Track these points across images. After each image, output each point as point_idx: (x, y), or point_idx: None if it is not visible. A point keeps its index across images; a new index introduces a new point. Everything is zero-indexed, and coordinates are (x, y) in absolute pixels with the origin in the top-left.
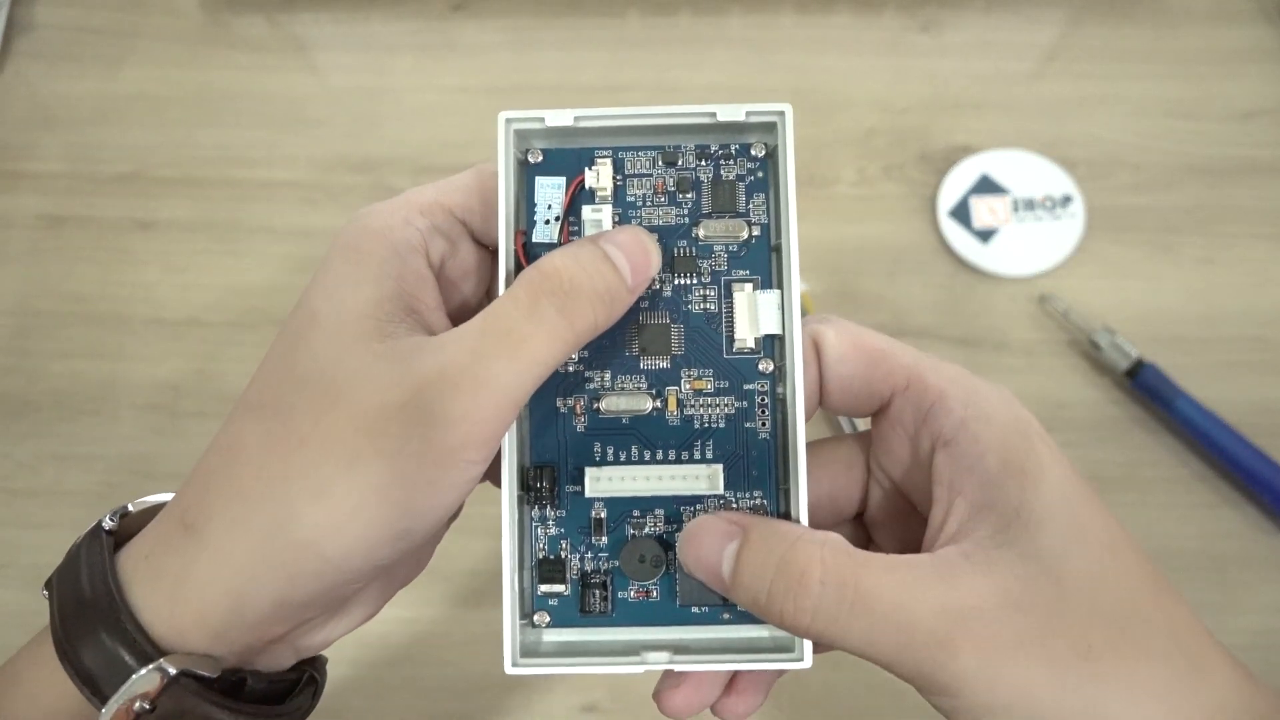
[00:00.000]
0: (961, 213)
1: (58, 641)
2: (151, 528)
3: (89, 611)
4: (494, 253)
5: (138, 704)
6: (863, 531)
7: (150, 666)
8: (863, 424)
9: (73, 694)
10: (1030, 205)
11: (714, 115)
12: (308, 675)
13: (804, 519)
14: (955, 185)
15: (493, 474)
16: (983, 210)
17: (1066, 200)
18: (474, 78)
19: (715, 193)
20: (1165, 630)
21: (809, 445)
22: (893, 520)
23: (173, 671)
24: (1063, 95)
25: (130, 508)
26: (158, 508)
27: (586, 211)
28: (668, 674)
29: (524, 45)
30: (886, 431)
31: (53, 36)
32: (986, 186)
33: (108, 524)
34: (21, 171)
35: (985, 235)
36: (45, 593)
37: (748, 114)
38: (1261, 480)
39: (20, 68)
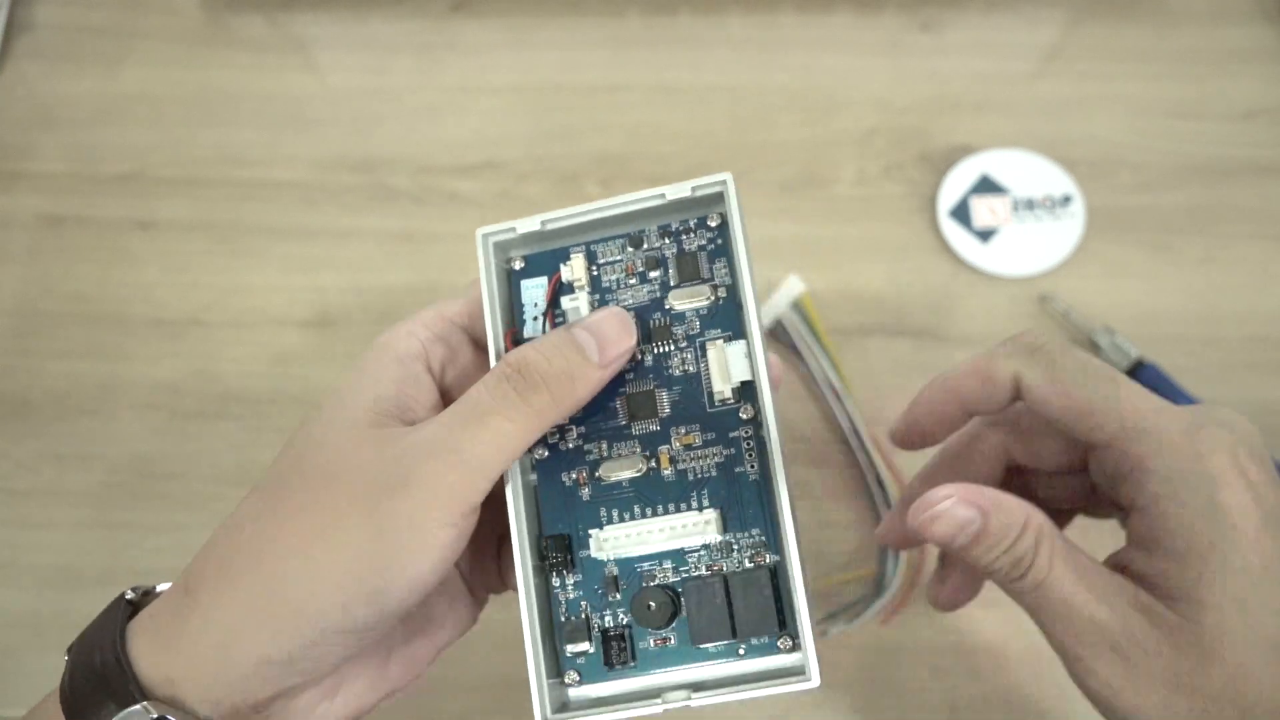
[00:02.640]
0: (961, 213)
1: (64, 698)
2: (161, 597)
3: (97, 675)
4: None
5: None
6: None
7: (132, 708)
8: (867, 434)
9: None
10: (1030, 205)
11: (664, 196)
12: None
13: (794, 551)
14: (955, 185)
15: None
16: (983, 210)
17: (1066, 200)
18: (474, 78)
19: (680, 265)
20: None
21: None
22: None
23: (154, 716)
24: (1063, 95)
25: (157, 589)
26: None
27: (565, 301)
28: (936, 574)
29: (524, 45)
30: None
31: (53, 36)
32: (986, 186)
33: (129, 595)
34: (21, 171)
35: (985, 235)
36: (66, 656)
37: (693, 189)
38: None
39: (20, 68)
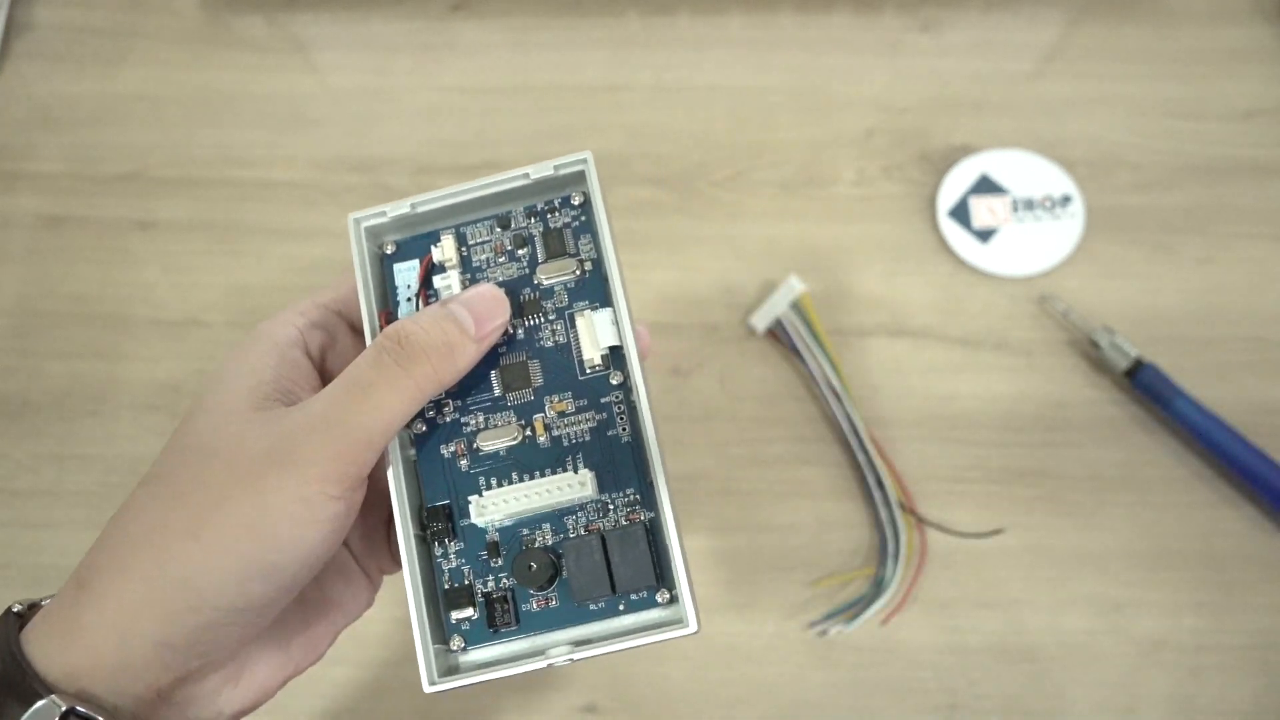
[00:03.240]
0: (961, 213)
1: None
2: (54, 598)
3: None
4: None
5: None
6: None
7: (40, 703)
8: (866, 434)
9: None
10: (1030, 205)
11: (528, 175)
12: None
13: (668, 508)
14: (955, 185)
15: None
16: (982, 210)
17: (1066, 200)
18: (474, 78)
19: (547, 242)
20: None
21: None
22: None
23: (63, 707)
24: (1062, 95)
25: (43, 602)
26: None
27: (438, 281)
28: None
29: (524, 45)
30: None
31: (52, 37)
32: (986, 186)
33: (16, 607)
34: (21, 172)
35: (985, 235)
36: None
37: (556, 168)
38: (1261, 480)
39: (20, 68)
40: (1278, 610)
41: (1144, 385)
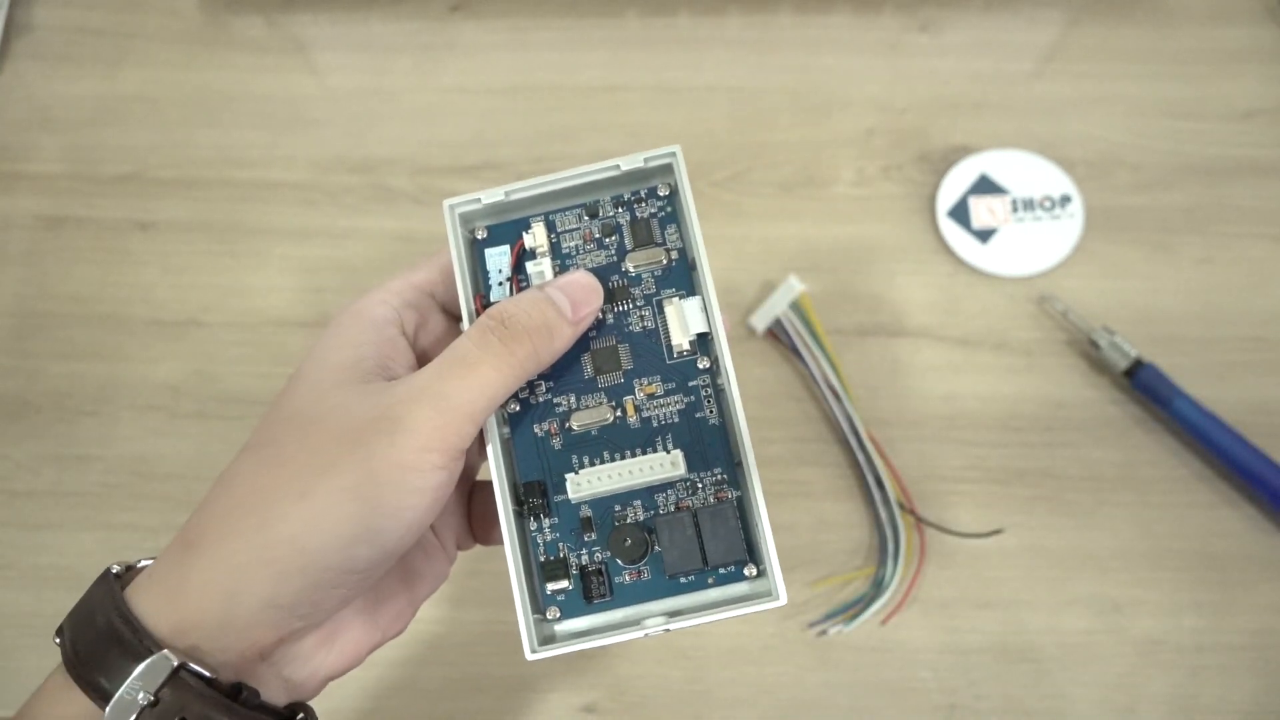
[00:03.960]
0: (960, 213)
1: (71, 666)
2: (158, 558)
3: (101, 636)
4: (459, 318)
5: (141, 695)
6: None
7: (152, 658)
8: (866, 435)
9: (84, 714)
10: (1029, 205)
11: (619, 167)
12: (300, 715)
13: (758, 485)
14: (954, 185)
15: (485, 534)
16: (982, 210)
17: (1065, 200)
18: (474, 78)
19: (635, 231)
20: None
21: None
22: None
23: (175, 662)
24: (1062, 95)
25: (138, 564)
26: None
27: (530, 267)
28: None
29: (524, 45)
30: None
31: (52, 37)
32: (985, 186)
33: (115, 568)
34: (21, 172)
35: (984, 235)
36: (57, 639)
37: (646, 160)
38: (1260, 480)
39: (19, 69)
40: (1277, 610)
41: (1143, 385)
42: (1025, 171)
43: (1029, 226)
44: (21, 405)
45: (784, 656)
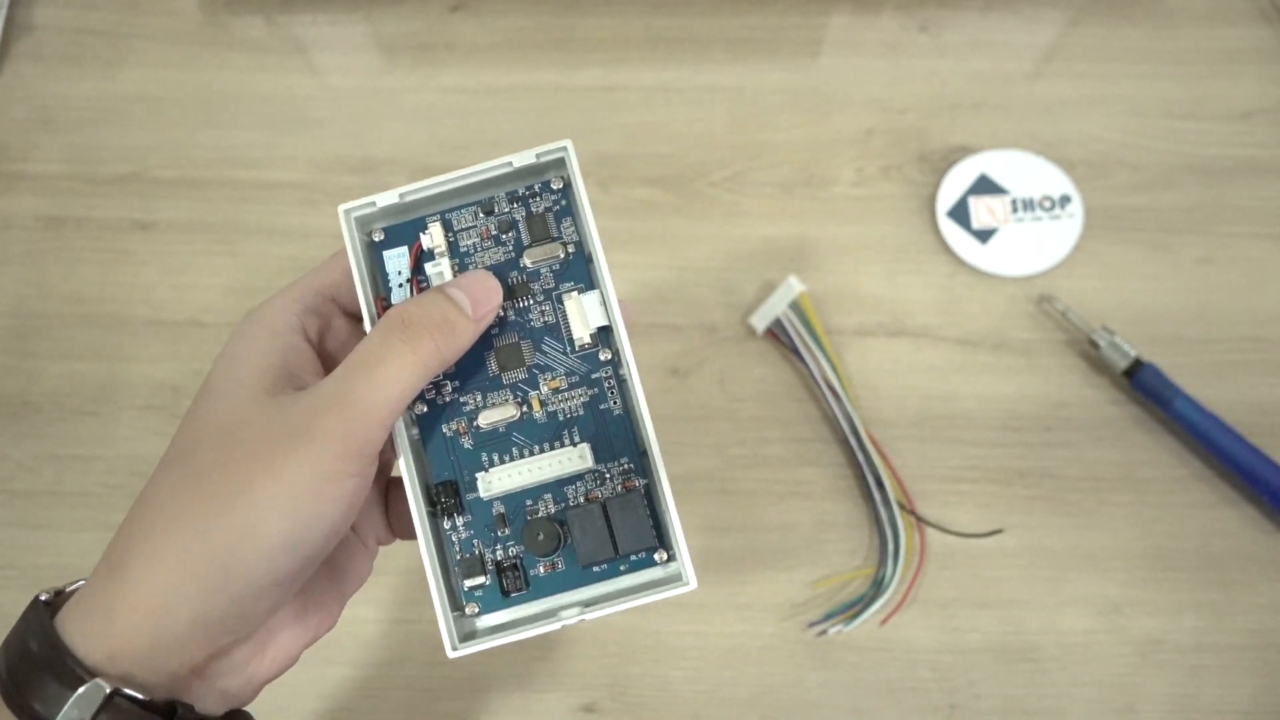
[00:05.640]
0: (960, 213)
1: (5, 693)
2: (86, 582)
3: (33, 662)
4: (361, 320)
5: None
6: None
7: (86, 685)
8: (865, 434)
9: None
10: (1029, 205)
11: (511, 164)
12: None
13: (663, 474)
14: (954, 185)
15: (403, 530)
16: (981, 210)
17: (1065, 200)
18: (474, 78)
19: (531, 226)
20: None
21: None
22: None
23: (107, 689)
24: (1061, 95)
25: (67, 589)
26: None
27: (429, 268)
28: None
29: (524, 45)
30: None
31: (52, 38)
32: (985, 187)
33: (44, 596)
34: (21, 172)
35: (984, 235)
36: None
37: (538, 156)
38: (1260, 480)
39: (20, 69)
40: (1277, 610)
41: (1143, 385)
42: (1025, 171)
43: (1029, 226)
44: (22, 405)
45: (784, 656)
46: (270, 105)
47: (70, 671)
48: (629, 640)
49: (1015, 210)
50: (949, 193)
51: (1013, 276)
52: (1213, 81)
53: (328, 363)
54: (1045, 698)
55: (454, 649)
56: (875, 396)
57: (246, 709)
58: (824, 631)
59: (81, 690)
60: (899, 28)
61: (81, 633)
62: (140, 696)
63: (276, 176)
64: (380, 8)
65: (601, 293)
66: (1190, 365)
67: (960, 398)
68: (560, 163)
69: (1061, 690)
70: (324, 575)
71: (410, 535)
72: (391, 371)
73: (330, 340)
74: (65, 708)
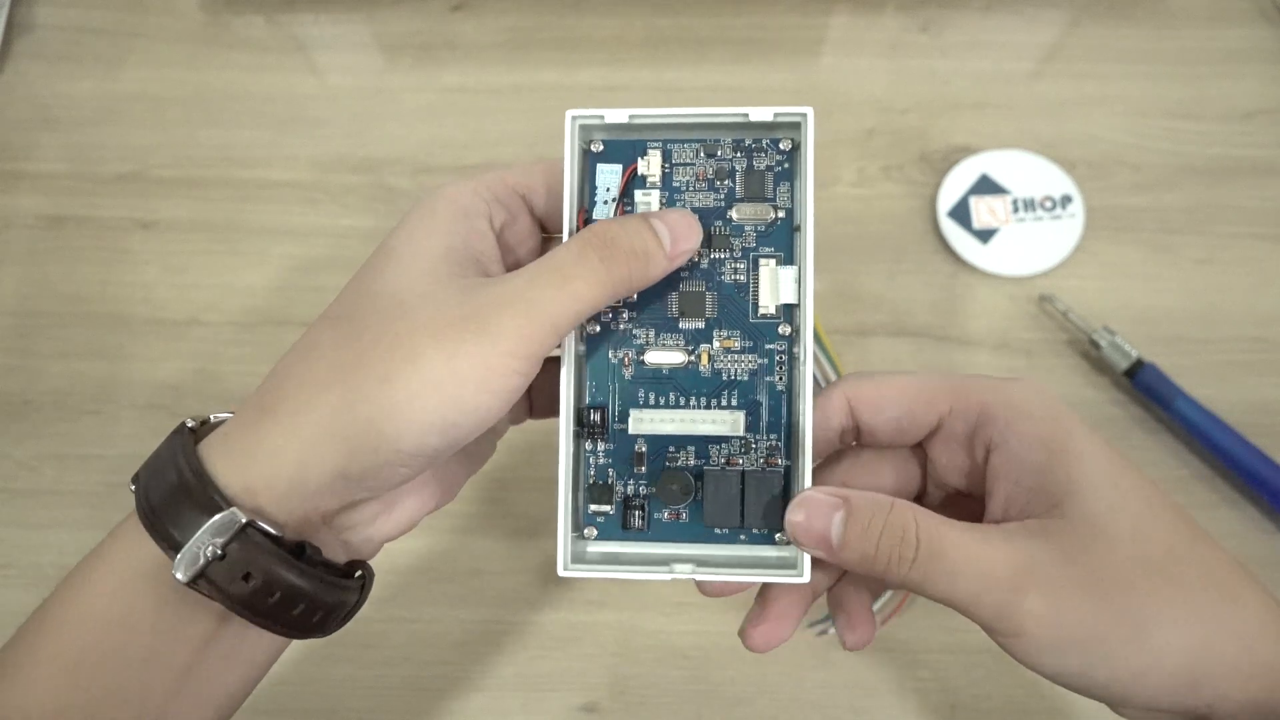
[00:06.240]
0: (961, 213)
1: (144, 515)
2: (232, 418)
3: (174, 488)
4: (546, 228)
5: (209, 549)
6: None
7: (222, 514)
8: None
9: (153, 559)
10: (1030, 205)
11: (746, 115)
12: (359, 572)
13: (809, 461)
14: (955, 185)
15: (542, 409)
16: (982, 210)
17: (1066, 200)
18: (474, 78)
19: (747, 181)
20: (1199, 567)
21: (879, 449)
22: (947, 509)
23: (243, 519)
24: (1062, 95)
25: (211, 418)
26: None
27: (639, 195)
28: (751, 614)
29: (524, 45)
30: (940, 448)
31: (53, 37)
32: (986, 187)
33: (190, 423)
34: (21, 171)
35: (985, 235)
36: (132, 486)
37: (775, 115)
38: (1261, 480)
39: (20, 68)
40: None
41: (1144, 385)
42: (1026, 171)
43: (1030, 226)
44: (22, 404)
45: (784, 656)
46: (271, 105)
47: (210, 499)
48: (629, 640)
49: (1016, 210)
50: (950, 193)
51: (1014, 276)
52: (1214, 82)
53: (506, 255)
54: (1045, 698)
55: (565, 568)
56: None
57: (369, 561)
58: (824, 631)
59: (217, 517)
60: (900, 28)
61: (223, 463)
62: (273, 531)
63: (277, 176)
64: (381, 7)
65: (799, 270)
66: (1191, 365)
67: None
68: (794, 126)
69: (1062, 690)
70: (457, 454)
71: (546, 415)
72: (581, 286)
73: (511, 235)
74: (199, 532)
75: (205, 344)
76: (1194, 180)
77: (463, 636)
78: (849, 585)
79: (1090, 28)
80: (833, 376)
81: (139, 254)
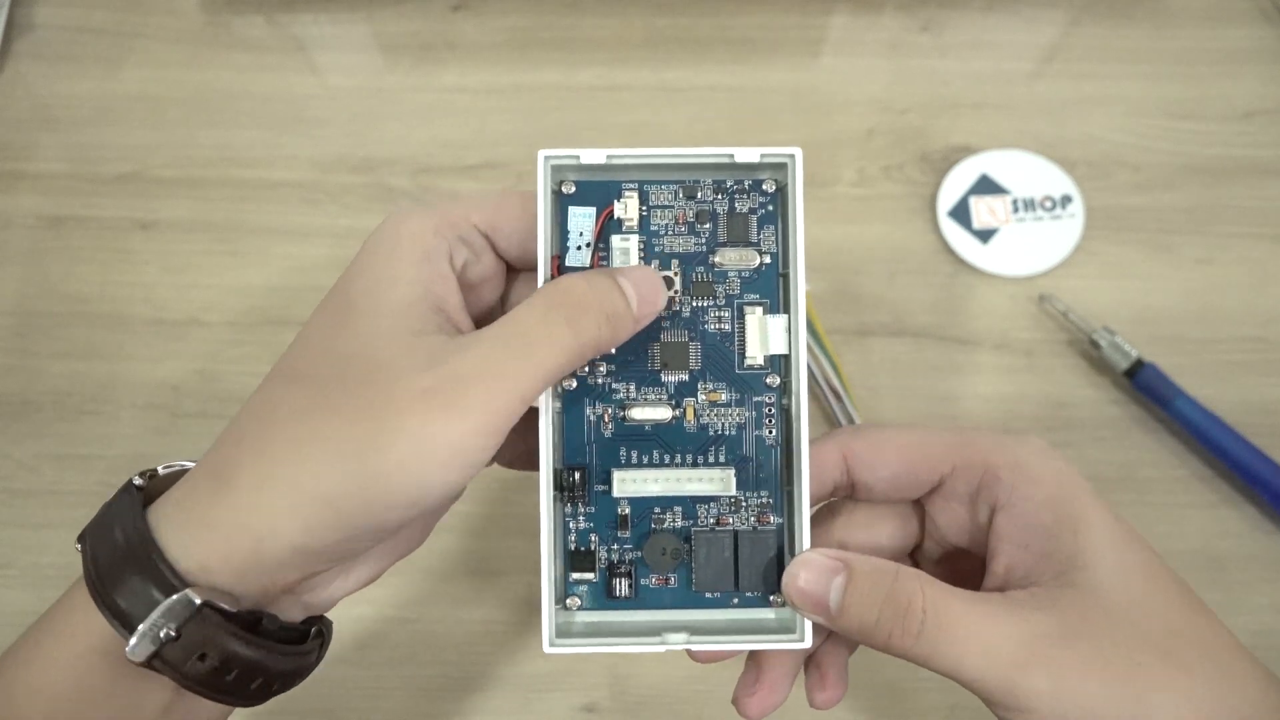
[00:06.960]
0: (961, 213)
1: (91, 584)
2: (184, 481)
3: (122, 556)
4: (511, 268)
5: (164, 631)
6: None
7: (176, 595)
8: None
9: (103, 633)
10: (1030, 205)
11: (731, 156)
12: (316, 629)
13: (806, 518)
14: (955, 185)
15: (506, 461)
16: (982, 210)
17: (1066, 200)
18: (474, 78)
19: (730, 224)
20: (1198, 645)
21: (869, 503)
22: (944, 565)
23: (198, 601)
24: (1062, 95)
25: (160, 470)
26: (183, 472)
27: (615, 240)
28: (744, 680)
29: (524, 45)
30: (941, 505)
31: (53, 37)
32: (986, 187)
33: (138, 481)
34: (21, 171)
35: (985, 235)
36: (79, 546)
37: (761, 156)
38: (1260, 480)
39: (20, 68)
40: (1277, 610)
41: (1144, 385)
42: (1026, 171)
43: (1029, 226)
44: (22, 404)
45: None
46: (271, 105)
47: (162, 575)
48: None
49: (1016, 210)
50: (950, 193)
51: (1013, 276)
52: (1214, 82)
53: (469, 294)
54: None
55: (550, 644)
56: (876, 396)
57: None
58: None
59: (173, 599)
60: (900, 28)
61: (176, 536)
62: (229, 608)
63: (277, 176)
64: (381, 7)
65: (790, 320)
66: (1191, 365)
67: (961, 398)
68: (779, 167)
69: None
70: None
71: (510, 465)
72: (549, 352)
73: (473, 273)
74: (153, 615)
75: (205, 344)
76: (1194, 180)
77: (463, 636)
78: (829, 641)
79: (1090, 28)
80: (833, 378)
81: (139, 254)
